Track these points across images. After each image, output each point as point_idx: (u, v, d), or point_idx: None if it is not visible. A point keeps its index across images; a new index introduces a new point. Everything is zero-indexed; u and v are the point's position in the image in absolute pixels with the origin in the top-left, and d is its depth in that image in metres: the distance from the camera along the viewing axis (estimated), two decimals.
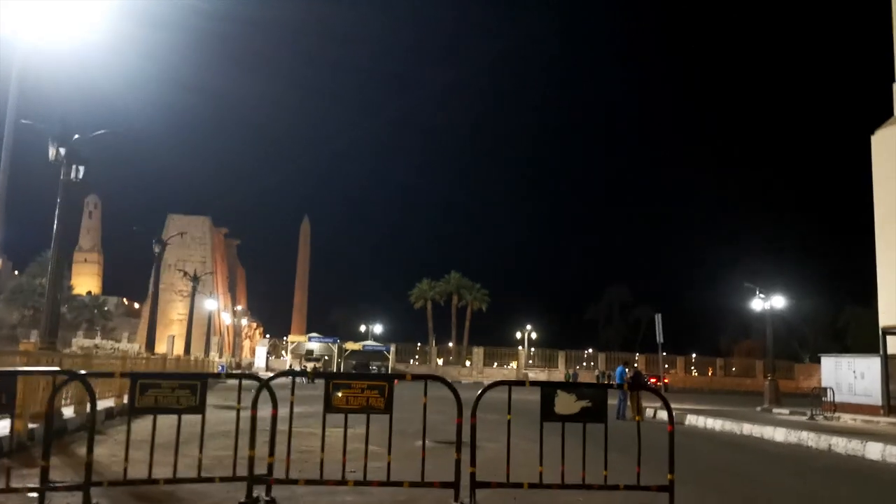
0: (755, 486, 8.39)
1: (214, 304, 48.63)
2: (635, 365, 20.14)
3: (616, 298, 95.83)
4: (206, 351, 44.63)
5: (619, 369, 19.69)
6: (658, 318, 20.84)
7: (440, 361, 66.98)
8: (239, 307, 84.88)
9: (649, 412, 20.29)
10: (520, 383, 6.83)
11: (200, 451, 6.24)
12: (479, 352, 64.76)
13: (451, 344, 68.87)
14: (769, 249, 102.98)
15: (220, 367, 42.88)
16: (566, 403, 6.39)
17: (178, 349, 65.71)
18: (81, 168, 13.07)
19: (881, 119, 29.87)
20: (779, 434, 13.51)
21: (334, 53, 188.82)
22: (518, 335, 66.21)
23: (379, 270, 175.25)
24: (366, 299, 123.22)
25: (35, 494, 5.56)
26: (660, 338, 20.74)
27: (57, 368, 8.10)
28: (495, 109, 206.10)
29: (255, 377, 7.46)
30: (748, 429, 14.77)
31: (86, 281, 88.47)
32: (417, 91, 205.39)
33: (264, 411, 6.53)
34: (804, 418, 24.58)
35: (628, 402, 18.99)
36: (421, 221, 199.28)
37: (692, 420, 17.70)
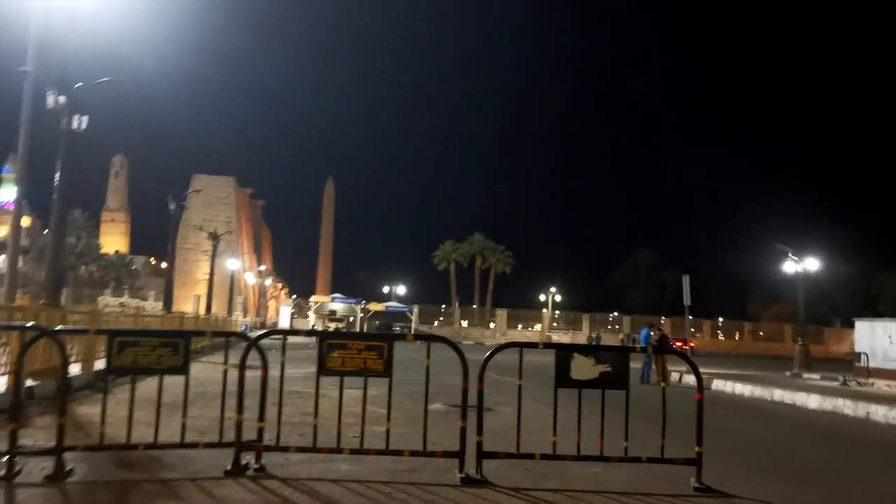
0: (791, 461, 7.76)
1: (237, 264, 48.52)
2: (660, 328, 19.46)
3: (643, 261, 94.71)
4: (230, 310, 44.69)
5: (643, 332, 19.03)
6: (686, 279, 20.05)
7: (464, 323, 66.80)
8: (263, 267, 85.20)
9: (675, 377, 19.63)
10: (532, 345, 6.14)
11: (184, 415, 5.75)
12: (502, 314, 64.40)
13: (474, 306, 68.53)
14: (803, 213, 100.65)
15: (243, 327, 42.97)
16: (584, 368, 5.79)
17: (202, 309, 66.37)
18: (85, 118, 12.57)
19: None
20: (812, 401, 12.81)
21: (359, 18, 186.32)
22: (542, 298, 65.62)
23: (403, 232, 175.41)
24: (390, 261, 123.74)
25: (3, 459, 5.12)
26: (687, 300, 19.98)
27: (31, 323, 7.63)
28: (523, 69, 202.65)
29: (244, 336, 6.94)
30: (779, 395, 14.07)
31: (113, 240, 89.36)
32: (442, 53, 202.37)
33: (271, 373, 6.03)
34: (836, 384, 23.76)
35: (653, 366, 18.38)
36: (446, 183, 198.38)
37: (719, 385, 17.03)
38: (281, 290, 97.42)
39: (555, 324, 67.22)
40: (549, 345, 6.01)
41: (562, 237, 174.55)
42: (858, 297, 76.85)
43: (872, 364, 23.97)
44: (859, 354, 24.10)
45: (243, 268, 70.71)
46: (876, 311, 60.96)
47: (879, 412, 10.91)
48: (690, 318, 68.33)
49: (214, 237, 36.58)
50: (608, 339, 58.74)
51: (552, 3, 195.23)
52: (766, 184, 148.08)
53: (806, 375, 27.27)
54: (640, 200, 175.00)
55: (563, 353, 5.83)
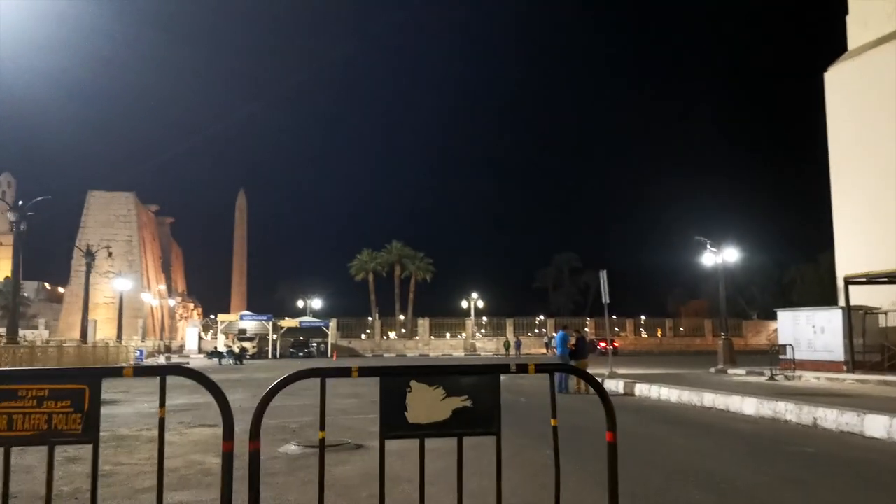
0: None
1: (129, 285, 44.57)
2: (578, 330, 17.56)
3: (565, 264, 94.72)
4: (119, 335, 40.81)
5: (559, 334, 17.16)
6: (603, 275, 18.34)
7: (392, 335, 64.28)
8: (162, 287, 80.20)
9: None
10: (341, 372, 3.72)
11: None
12: (424, 323, 62.21)
13: (397, 317, 66.08)
14: (716, 206, 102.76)
15: (138, 353, 39.20)
16: (427, 404, 3.58)
17: (105, 333, 61.48)
18: None
19: (835, 56, 27.89)
20: (748, 406, 11.12)
21: (268, 19, 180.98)
22: (465, 305, 63.79)
23: (321, 244, 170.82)
24: (308, 274, 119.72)
25: None
26: (605, 297, 18.28)
27: None
28: (439, 75, 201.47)
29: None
30: (710, 399, 12.36)
31: (2, 266, 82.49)
32: (352, 59, 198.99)
33: None
34: (763, 379, 22.62)
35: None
36: (363, 192, 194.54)
37: (643, 391, 15.28)
38: (193, 310, 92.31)
39: (483, 330, 65.54)
40: (371, 369, 3.76)
41: (482, 243, 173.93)
42: (772, 288, 78.55)
43: (797, 356, 22.97)
44: (784, 346, 23.06)
45: (144, 289, 66.09)
46: (790, 301, 61.92)
47: (829, 417, 9.21)
48: (614, 317, 68.42)
49: (87, 254, 32.82)
50: (529, 344, 57.38)
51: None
52: (680, 180, 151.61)
53: (731, 371, 26.17)
54: (558, 204, 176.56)
55: (393, 380, 3.59)
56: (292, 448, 8.13)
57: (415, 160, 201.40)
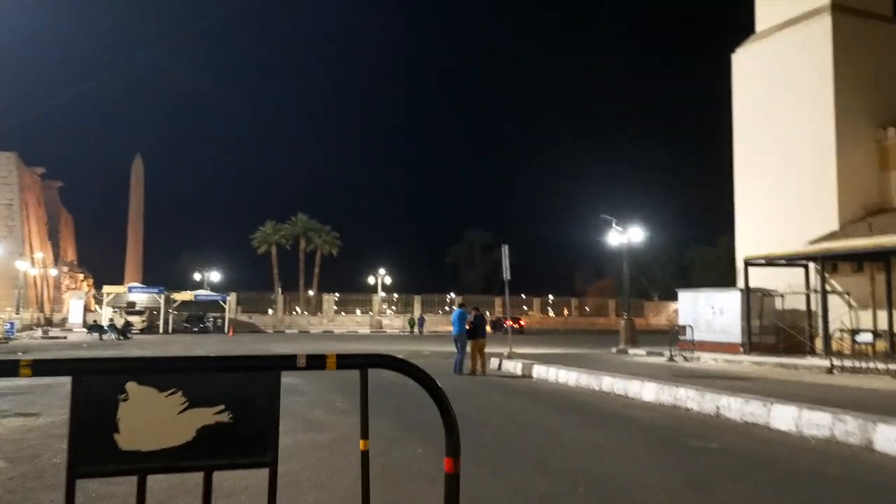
0: None
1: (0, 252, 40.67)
2: (477, 308, 16.51)
3: (476, 240, 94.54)
4: None
5: (456, 312, 16.04)
6: (504, 249, 17.32)
7: (299, 311, 62.03)
8: (37, 254, 74.90)
9: (494, 362, 16.93)
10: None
11: None
12: (329, 299, 60.38)
13: (302, 292, 63.83)
14: (623, 186, 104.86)
15: (8, 326, 35.73)
16: (154, 419, 2.20)
17: None
18: None
19: (743, 37, 27.87)
20: (648, 391, 10.31)
21: None
22: (372, 281, 62.26)
23: (223, 214, 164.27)
24: (208, 246, 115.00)
25: None
26: (507, 273, 17.29)
27: None
28: (337, 39, 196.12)
29: None
30: (608, 383, 11.53)
31: None
32: (257, 16, 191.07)
33: None
34: (663, 360, 22.41)
35: (468, 351, 15.47)
36: (265, 160, 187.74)
37: (541, 373, 14.39)
38: (82, 281, 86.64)
39: (393, 307, 64.29)
40: (57, 364, 2.30)
41: (392, 218, 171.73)
42: (673, 268, 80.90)
43: (697, 336, 22.87)
44: (683, 327, 22.91)
45: (23, 257, 61.09)
46: (689, 282, 63.73)
47: (732, 406, 8.43)
48: (523, 296, 68.66)
49: None
50: (439, 321, 56.64)
51: None
52: (589, 159, 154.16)
53: (632, 351, 25.99)
54: (469, 179, 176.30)
55: (95, 382, 2.18)
56: None
57: (322, 129, 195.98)
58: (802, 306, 23.00)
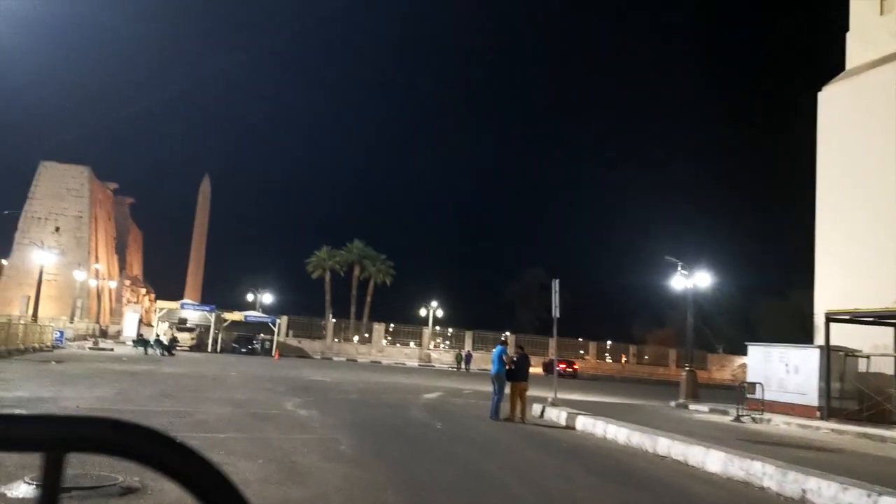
0: None
1: (52, 259, 41.21)
2: (521, 346, 14.90)
3: (534, 279, 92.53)
4: (35, 314, 37.34)
5: (496, 350, 14.49)
6: (555, 284, 15.75)
7: (348, 338, 61.26)
8: (96, 266, 76.48)
9: (536, 409, 15.27)
10: None
11: None
12: (379, 328, 59.31)
13: (352, 320, 63.05)
14: (689, 233, 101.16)
15: (58, 335, 35.86)
16: None
17: (41, 312, 57.54)
18: None
19: (831, 74, 25.83)
20: (714, 460, 8.55)
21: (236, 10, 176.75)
22: (423, 313, 61.03)
23: (279, 236, 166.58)
24: (264, 268, 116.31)
25: None
26: (556, 310, 15.69)
27: None
28: (406, 69, 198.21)
29: None
30: (665, 446, 9.77)
31: None
32: (323, 46, 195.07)
33: None
34: (728, 419, 20.24)
35: (506, 392, 13.88)
36: (325, 185, 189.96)
37: (587, 425, 12.67)
38: (144, 295, 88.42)
39: (448, 342, 62.83)
40: None
41: (448, 251, 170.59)
42: (740, 322, 76.94)
43: (767, 396, 20.63)
44: (753, 384, 20.70)
45: (88, 269, 62.41)
46: (756, 337, 60.06)
47: (824, 492, 6.62)
48: (579, 339, 66.15)
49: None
50: (487, 359, 54.74)
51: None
52: (656, 203, 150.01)
53: (693, 406, 23.79)
54: (531, 218, 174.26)
55: None
56: (23, 489, 5.35)
57: (384, 159, 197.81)
58: (890, 370, 20.51)
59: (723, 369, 65.96)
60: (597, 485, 7.39)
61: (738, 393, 20.74)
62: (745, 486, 7.77)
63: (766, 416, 20.01)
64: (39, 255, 38.95)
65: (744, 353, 67.06)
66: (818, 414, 20.02)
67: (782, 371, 22.01)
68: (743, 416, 19.83)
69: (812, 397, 20.48)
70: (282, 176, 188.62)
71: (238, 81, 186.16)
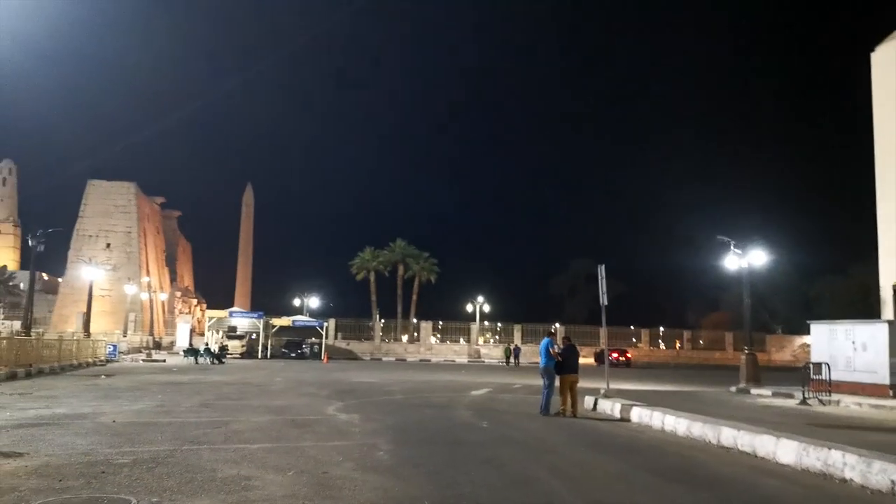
0: None
1: (98, 274, 41.92)
2: (569, 338, 14.19)
3: (581, 270, 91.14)
4: (87, 328, 37.99)
5: (543, 342, 13.84)
6: (601, 270, 15.01)
7: (396, 338, 61.19)
8: (145, 279, 77.84)
9: (588, 401, 14.56)
10: None
11: None
12: (426, 326, 59.00)
13: (399, 319, 62.89)
14: (740, 211, 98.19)
15: (111, 348, 36.43)
16: None
17: (96, 327, 58.90)
18: None
19: (883, 34, 24.35)
20: (786, 450, 7.77)
21: (277, 15, 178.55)
22: (470, 308, 60.52)
23: (323, 241, 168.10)
24: (309, 272, 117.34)
25: None
26: (603, 298, 14.94)
27: None
28: (441, 70, 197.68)
29: None
30: (730, 437, 8.99)
31: (0, 255, 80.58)
32: (361, 52, 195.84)
33: None
34: (793, 402, 19.17)
35: (557, 386, 13.24)
36: (367, 188, 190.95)
37: (643, 417, 11.94)
38: (196, 306, 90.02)
39: (496, 336, 62.19)
40: None
41: (491, 245, 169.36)
42: (798, 301, 74.27)
43: (834, 376, 19.48)
44: (819, 365, 19.55)
45: (140, 283, 63.63)
46: (815, 315, 57.88)
47: None
48: (631, 327, 64.67)
49: (35, 237, 29.86)
50: (536, 351, 53.91)
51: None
52: (704, 184, 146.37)
53: (755, 391, 22.70)
54: (575, 206, 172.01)
55: None
56: None
57: (423, 157, 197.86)
58: None
59: (782, 350, 63.75)
60: (657, 486, 6.73)
61: (803, 374, 19.63)
62: (823, 478, 7.00)
63: (834, 397, 18.91)
64: (88, 272, 39.44)
65: (804, 332, 64.70)
66: (891, 392, 18.87)
67: (849, 349, 20.84)
68: (809, 398, 18.76)
69: (883, 375, 19.30)
70: (322, 180, 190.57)
71: (272, 88, 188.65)
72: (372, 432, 9.68)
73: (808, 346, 64.06)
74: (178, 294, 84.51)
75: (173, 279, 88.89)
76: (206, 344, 41.10)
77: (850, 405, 18.04)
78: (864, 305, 62.74)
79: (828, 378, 19.27)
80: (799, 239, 77.46)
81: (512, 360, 47.14)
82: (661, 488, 6.60)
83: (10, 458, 6.91)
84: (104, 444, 7.92)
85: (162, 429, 9.45)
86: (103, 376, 22.72)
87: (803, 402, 18.64)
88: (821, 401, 18.72)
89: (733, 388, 23.79)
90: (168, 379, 22.05)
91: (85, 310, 62.53)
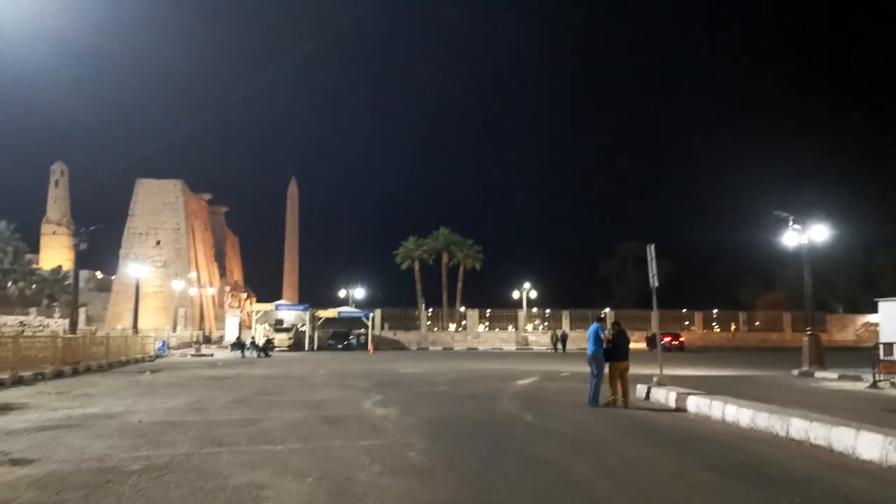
0: None
1: (145, 271, 42.37)
2: (618, 322, 13.28)
3: (629, 253, 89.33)
4: (135, 324, 38.44)
5: (592, 328, 12.98)
6: (650, 249, 14.08)
7: (443, 327, 60.87)
8: (191, 275, 79.14)
9: (640, 390, 13.70)
10: None
11: None
12: (473, 314, 58.43)
13: (444, 308, 62.45)
14: (794, 185, 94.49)
15: (160, 344, 36.82)
16: None
17: (148, 323, 59.99)
18: None
19: None
20: (867, 444, 6.86)
21: (312, 9, 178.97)
22: (516, 295, 59.65)
23: (368, 231, 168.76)
24: (357, 263, 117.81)
25: None
26: (653, 280, 14.02)
27: None
28: (481, 55, 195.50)
29: None
30: (801, 429, 8.08)
31: (56, 254, 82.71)
32: (400, 46, 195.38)
33: None
34: (863, 386, 17.91)
35: (606, 374, 12.42)
36: (409, 176, 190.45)
37: (700, 406, 11.05)
38: (246, 300, 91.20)
39: (545, 323, 61.32)
40: None
41: (537, 231, 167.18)
42: (859, 277, 71.25)
43: None
44: (890, 345, 18.24)
45: (189, 279, 64.56)
46: (878, 293, 55.34)
47: None
48: (683, 310, 62.87)
49: (77, 234, 30.14)
50: (576, 337, 52.88)
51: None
52: (755, 157, 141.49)
53: (819, 374, 21.42)
54: (621, 187, 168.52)
55: None
56: None
57: (465, 143, 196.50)
58: None
59: (844, 330, 61.28)
60: (723, 487, 5.93)
61: (873, 356, 18.34)
62: None
63: None
64: (135, 269, 39.95)
65: (867, 310, 62.04)
66: None
67: None
68: (880, 381, 17.50)
69: None
70: (366, 171, 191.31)
71: (311, 80, 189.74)
72: (407, 428, 9.08)
73: (873, 325, 61.42)
74: (228, 288, 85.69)
75: (222, 274, 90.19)
76: (253, 337, 41.23)
77: None
78: None
79: None
80: (858, 212, 73.94)
81: (559, 346, 46.21)
82: (728, 490, 5.81)
83: (17, 466, 6.51)
84: (122, 448, 7.48)
85: (188, 428, 9.01)
86: (148, 372, 22.72)
87: (874, 385, 17.41)
88: (893, 384, 17.44)
89: (795, 372, 22.53)
90: (212, 374, 21.91)
91: (144, 306, 63.85)
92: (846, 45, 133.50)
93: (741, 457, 7.30)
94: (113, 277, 77.29)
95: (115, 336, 32.44)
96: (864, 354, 37.48)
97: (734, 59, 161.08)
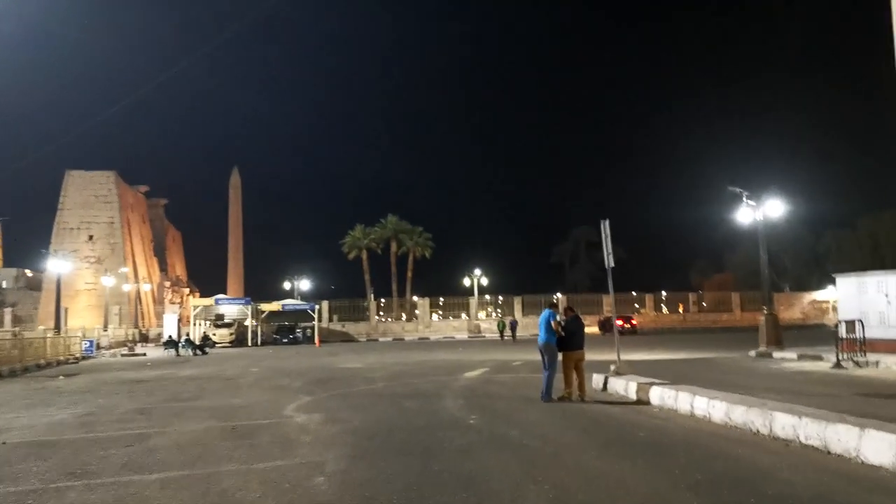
0: None
1: (67, 267, 39.72)
2: (572, 308, 11.92)
3: (582, 238, 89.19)
4: (57, 324, 35.84)
5: (543, 314, 11.63)
6: (604, 226, 12.83)
7: (393, 317, 59.23)
8: (122, 270, 75.83)
9: (598, 379, 12.46)
10: None
11: None
12: (423, 303, 56.97)
13: (395, 298, 60.87)
14: (741, 163, 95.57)
15: (87, 344, 34.35)
16: None
17: (84, 321, 56.78)
18: None
19: None
20: (875, 446, 5.63)
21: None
22: (467, 283, 58.44)
23: (313, 222, 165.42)
24: (301, 253, 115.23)
25: None
26: (609, 259, 12.81)
27: None
28: (426, 35, 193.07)
29: None
30: (787, 426, 6.84)
31: None
32: (340, 28, 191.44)
33: None
34: (826, 366, 17.10)
35: (558, 364, 11.11)
36: (353, 163, 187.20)
37: (665, 399, 9.82)
38: (188, 295, 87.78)
39: (498, 311, 60.21)
40: None
41: (486, 217, 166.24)
42: (805, 256, 72.20)
43: (867, 334, 17.40)
44: (852, 322, 17.45)
45: (122, 274, 61.45)
46: (825, 271, 55.87)
47: None
48: (633, 293, 62.63)
49: None
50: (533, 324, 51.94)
51: None
52: (703, 143, 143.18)
53: (778, 355, 20.66)
54: (571, 172, 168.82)
55: None
56: None
57: (412, 129, 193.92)
58: None
59: (791, 308, 61.82)
60: None
61: (835, 334, 17.57)
62: None
63: (870, 357, 16.86)
64: (57, 265, 37.28)
65: (813, 288, 62.52)
66: None
67: (882, 303, 18.80)
68: (844, 361, 16.73)
69: None
70: (310, 160, 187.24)
71: (251, 67, 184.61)
72: (326, 442, 7.58)
73: (819, 302, 61.82)
74: (168, 284, 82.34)
75: (163, 269, 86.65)
76: (188, 335, 38.98)
77: (891, 366, 16.00)
78: (873, 258, 60.72)
79: (860, 337, 17.23)
80: (804, 192, 74.77)
81: (508, 334, 44.89)
82: None
83: None
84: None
85: (55, 452, 7.35)
86: (61, 377, 20.66)
87: (837, 365, 16.63)
88: (856, 363, 16.69)
89: (753, 353, 21.79)
90: (134, 376, 19.98)
91: (69, 305, 60.42)
92: (809, 24, 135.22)
93: (724, 466, 6.01)
94: (43, 275, 73.36)
95: (34, 337, 29.92)
96: (815, 332, 37.59)
97: (685, 27, 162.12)
